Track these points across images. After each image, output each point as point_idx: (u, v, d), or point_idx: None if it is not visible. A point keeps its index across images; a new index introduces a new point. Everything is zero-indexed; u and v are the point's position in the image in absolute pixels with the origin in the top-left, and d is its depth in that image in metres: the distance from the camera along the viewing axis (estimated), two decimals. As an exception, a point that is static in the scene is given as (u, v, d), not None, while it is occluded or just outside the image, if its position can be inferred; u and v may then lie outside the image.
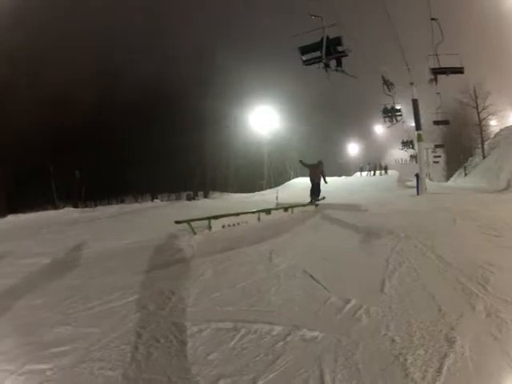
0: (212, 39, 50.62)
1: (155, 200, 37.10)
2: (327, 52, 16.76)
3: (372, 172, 55.80)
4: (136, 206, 30.05)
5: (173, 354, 4.89)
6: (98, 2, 47.07)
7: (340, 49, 16.91)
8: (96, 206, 32.94)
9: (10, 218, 21.58)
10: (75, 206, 32.28)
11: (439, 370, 4.20)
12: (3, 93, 35.71)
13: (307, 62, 17.44)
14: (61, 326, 5.81)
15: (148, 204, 31.62)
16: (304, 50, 17.38)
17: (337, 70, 17.57)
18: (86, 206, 32.96)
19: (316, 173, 21.67)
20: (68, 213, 24.57)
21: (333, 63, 17.54)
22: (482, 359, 4.40)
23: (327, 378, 4.17)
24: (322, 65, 17.38)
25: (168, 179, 43.32)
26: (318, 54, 17.07)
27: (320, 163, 21.94)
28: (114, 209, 26.79)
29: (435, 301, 6.10)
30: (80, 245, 12.33)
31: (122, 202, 38.71)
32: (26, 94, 37.59)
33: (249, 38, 60.54)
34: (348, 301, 6.20)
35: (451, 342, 4.78)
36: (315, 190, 21.42)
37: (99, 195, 39.78)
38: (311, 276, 7.70)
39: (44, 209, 28.44)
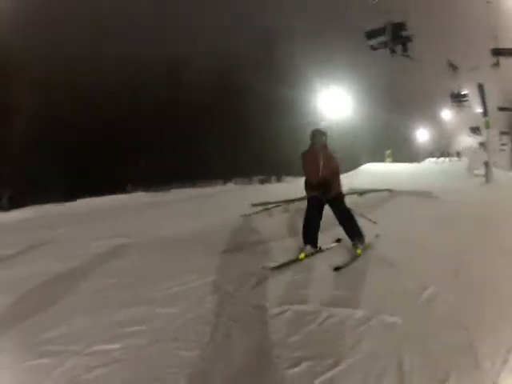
0: (281, 22, 50.42)
1: (228, 183, 37.15)
2: (392, 37, 16.63)
3: (441, 158, 54.22)
4: (209, 189, 30.14)
5: (252, 336, 4.93)
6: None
7: (404, 34, 16.74)
8: (167, 189, 33.05)
9: (82, 201, 21.80)
10: (146, 191, 32.51)
11: (505, 361, 4.14)
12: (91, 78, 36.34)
13: (374, 47, 17.33)
14: (135, 306, 5.95)
15: (221, 188, 31.74)
16: (370, 35, 17.29)
17: (403, 55, 17.36)
18: (157, 190, 33.09)
19: (318, 165, 8.64)
20: (140, 197, 24.85)
21: (398, 49, 17.39)
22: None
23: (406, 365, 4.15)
24: (387, 50, 17.26)
25: (240, 163, 43.40)
26: (383, 38, 16.94)
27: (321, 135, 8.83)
28: (187, 192, 26.95)
29: (503, 290, 6.05)
30: (156, 227, 12.75)
31: (194, 184, 38.70)
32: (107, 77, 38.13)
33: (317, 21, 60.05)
34: (425, 288, 6.14)
35: None
36: (342, 218, 8.86)
37: (172, 179, 39.98)
38: (389, 262, 7.66)
39: (113, 193, 28.73)
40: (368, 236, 8.93)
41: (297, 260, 7.90)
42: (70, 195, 22.23)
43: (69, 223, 14.65)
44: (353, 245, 8.56)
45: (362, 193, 18.04)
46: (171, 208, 18.65)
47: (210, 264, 7.91)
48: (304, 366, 4.16)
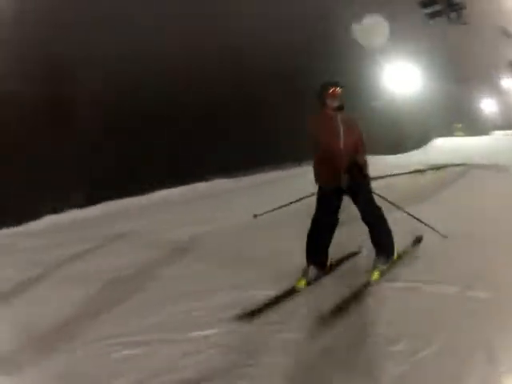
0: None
1: (299, 166, 37.04)
2: (447, 4, 16.70)
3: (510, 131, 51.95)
4: (285, 172, 30.04)
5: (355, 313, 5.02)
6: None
7: (457, 1, 16.82)
8: (247, 174, 32.90)
9: (161, 193, 21.75)
10: (225, 176, 32.51)
11: None
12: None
13: (430, 16, 17.39)
14: (225, 290, 5.95)
15: (294, 170, 31.76)
16: (425, 4, 17.38)
17: (459, 22, 17.38)
18: (237, 175, 33.01)
19: (337, 133, 6.05)
20: (220, 184, 24.92)
21: (454, 16, 17.45)
22: None
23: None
24: (443, 19, 17.30)
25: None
26: (438, 7, 17.04)
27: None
28: (267, 176, 26.90)
29: None
30: (245, 211, 12.53)
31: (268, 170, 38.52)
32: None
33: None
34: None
35: None
36: (369, 215, 6.27)
37: (245, 164, 39.82)
38: (474, 238, 7.52)
39: (193, 182, 28.83)
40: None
41: (292, 292, 5.78)
42: (148, 188, 22.08)
43: (147, 215, 14.70)
44: (374, 260, 6.22)
45: (438, 168, 17.75)
46: (257, 191, 18.98)
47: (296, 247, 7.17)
48: (403, 343, 4.16)
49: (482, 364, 3.76)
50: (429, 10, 17.13)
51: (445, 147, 35.54)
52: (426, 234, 7.72)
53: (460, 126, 48.93)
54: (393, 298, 5.27)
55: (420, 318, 4.72)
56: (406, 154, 37.70)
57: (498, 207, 10.48)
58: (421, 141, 44.81)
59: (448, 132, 49.47)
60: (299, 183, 20.41)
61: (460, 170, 18.32)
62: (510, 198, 11.52)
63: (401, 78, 40.28)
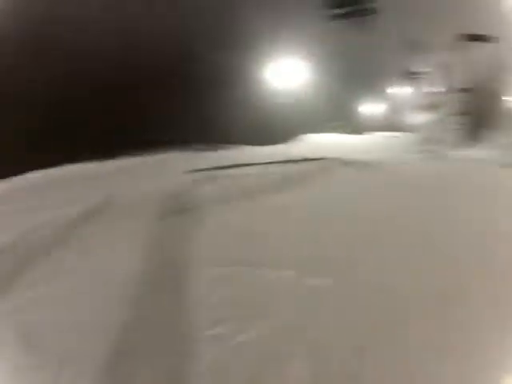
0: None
1: (175, 151, 37.07)
2: (355, 8, 16.66)
3: (391, 132, 53.00)
4: (150, 158, 30.22)
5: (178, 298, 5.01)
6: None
7: (369, 6, 16.80)
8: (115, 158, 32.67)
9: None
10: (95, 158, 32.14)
11: None
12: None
13: (332, 18, 17.30)
14: None
15: (164, 155, 31.89)
16: (333, 5, 17.23)
17: (361, 27, 17.41)
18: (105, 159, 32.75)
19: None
20: (91, 166, 24.69)
21: (357, 20, 17.44)
22: None
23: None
24: (346, 21, 17.24)
25: (187, 130, 43.21)
26: (343, 10, 16.95)
27: None
28: (130, 161, 26.97)
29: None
30: (105, 195, 12.26)
31: (135, 154, 38.47)
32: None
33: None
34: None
35: None
36: None
37: (120, 146, 39.55)
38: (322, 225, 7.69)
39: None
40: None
41: None
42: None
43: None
44: None
45: (302, 160, 17.97)
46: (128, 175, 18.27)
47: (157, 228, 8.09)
48: (221, 327, 4.13)
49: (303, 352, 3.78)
50: (333, 12, 16.99)
51: (317, 143, 36.39)
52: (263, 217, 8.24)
53: (338, 123, 50.41)
54: (221, 282, 5.25)
55: (245, 302, 4.69)
56: (272, 146, 38.58)
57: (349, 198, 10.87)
58: (292, 134, 45.69)
59: (326, 129, 50.92)
60: (174, 166, 20.64)
61: (324, 165, 18.52)
62: (368, 192, 11.80)
63: (285, 72, 40.97)
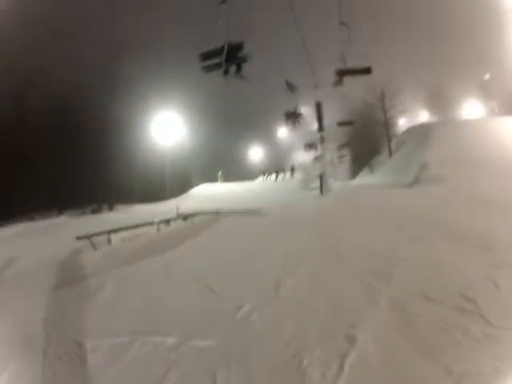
0: (119, 44, 50.02)
1: (61, 216, 36.20)
2: (227, 58, 16.49)
3: (274, 175, 53.64)
4: (41, 223, 29.37)
5: (75, 371, 4.93)
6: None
7: (240, 54, 16.66)
8: (2, 225, 31.89)
9: None
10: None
11: (340, 369, 4.22)
12: None
13: (207, 69, 17.13)
14: None
15: (53, 220, 31.07)
16: (204, 57, 17.00)
17: (236, 76, 17.32)
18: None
19: None
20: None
21: (233, 69, 17.29)
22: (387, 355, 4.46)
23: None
24: (221, 72, 17.09)
25: (74, 193, 42.37)
26: (218, 60, 16.77)
27: None
28: (20, 227, 26.25)
29: (334, 300, 6.14)
30: None
31: (31, 219, 37.51)
32: None
33: (154, 44, 60.82)
34: (241, 307, 6.20)
35: (352, 339, 4.82)
36: None
37: (7, 213, 38.45)
38: (206, 285, 7.64)
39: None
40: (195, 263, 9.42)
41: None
42: None
43: None
44: None
45: (186, 217, 18.01)
46: (5, 244, 17.83)
47: (42, 300, 7.82)
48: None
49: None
50: (206, 64, 16.99)
51: (204, 194, 36.75)
52: (154, 286, 8.14)
53: (221, 172, 51.07)
54: (115, 353, 5.20)
55: (136, 372, 4.72)
56: (164, 202, 38.63)
57: (238, 250, 10.89)
58: (182, 189, 46.08)
59: (213, 178, 51.55)
60: (55, 233, 20.31)
61: (210, 218, 18.67)
62: (255, 239, 12.11)
63: (168, 127, 41.06)
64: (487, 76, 53.93)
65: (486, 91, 59.00)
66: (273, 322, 5.57)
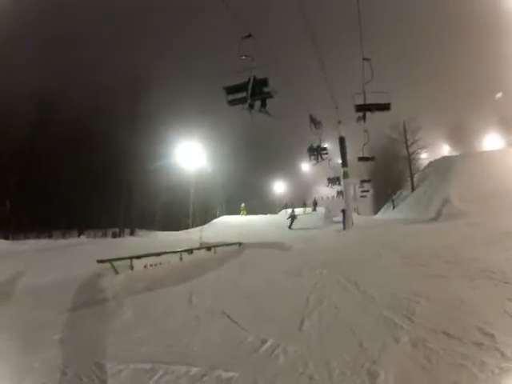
0: (142, 75, 50.84)
1: (81, 236, 36.45)
2: (252, 93, 16.44)
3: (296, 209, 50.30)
4: (63, 242, 29.59)
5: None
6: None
7: (266, 90, 16.64)
8: (25, 238, 32.21)
9: None
10: (5, 238, 31.53)
11: None
12: None
13: (232, 103, 17.07)
14: None
15: (74, 240, 31.28)
16: (229, 90, 16.97)
17: (260, 111, 17.30)
18: (16, 238, 32.22)
19: None
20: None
21: (257, 104, 17.26)
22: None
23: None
24: (246, 106, 17.04)
25: (95, 215, 42.72)
26: (243, 94, 16.75)
27: None
28: (41, 243, 26.48)
29: (356, 336, 6.07)
30: (10, 279, 12.38)
31: (50, 236, 37.86)
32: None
33: (178, 76, 61.67)
34: (265, 341, 6.15)
35: (374, 376, 4.79)
36: None
37: (29, 227, 38.90)
38: (229, 316, 7.64)
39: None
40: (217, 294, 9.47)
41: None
42: None
43: None
44: None
45: (210, 247, 18.03)
46: (26, 259, 18.42)
47: (59, 321, 7.88)
48: None
49: None
50: (231, 98, 17.04)
51: (226, 225, 36.82)
52: (176, 315, 8.17)
53: (243, 205, 51.05)
54: (135, 380, 5.22)
55: None
56: (186, 230, 38.64)
57: (262, 284, 10.93)
58: (204, 219, 46.26)
59: (233, 211, 51.60)
60: (76, 252, 20.45)
61: (233, 249, 18.84)
62: (278, 274, 11.99)
63: (192, 157, 41.22)
64: (499, 95, 53.75)
65: (504, 124, 58.90)
66: (296, 357, 5.51)
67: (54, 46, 53.86)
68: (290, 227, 30.44)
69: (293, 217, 32.81)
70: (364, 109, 25.08)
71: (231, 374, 5.14)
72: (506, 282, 8.10)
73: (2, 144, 38.72)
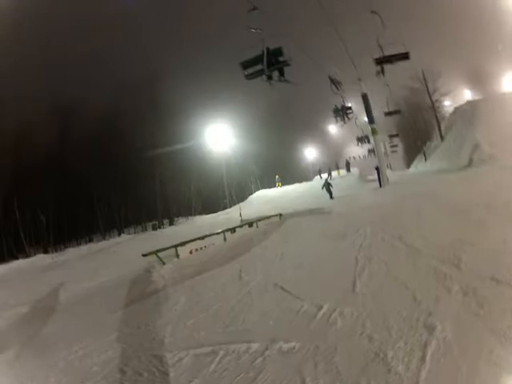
0: (162, 62, 50.82)
1: (122, 235, 36.62)
2: (269, 64, 16.31)
3: (326, 174, 46.94)
4: (104, 243, 29.93)
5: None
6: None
7: (281, 59, 16.51)
8: (65, 248, 32.61)
9: None
10: (45, 252, 32.01)
11: (423, 359, 4.25)
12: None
13: (250, 76, 16.95)
14: None
15: (115, 240, 31.52)
16: (245, 65, 16.87)
17: (280, 80, 17.20)
18: (56, 250, 32.68)
19: None
20: (40, 259, 24.63)
21: (275, 74, 17.15)
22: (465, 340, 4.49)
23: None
24: (264, 77, 16.95)
25: (133, 211, 42.90)
26: (260, 67, 16.65)
27: None
28: (83, 250, 26.90)
29: (409, 290, 6.15)
30: (56, 289, 12.48)
31: (91, 240, 38.21)
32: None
33: (196, 57, 61.47)
34: (321, 307, 6.21)
35: (431, 328, 4.86)
36: None
37: (67, 236, 39.19)
38: (282, 288, 7.73)
39: (15, 258, 28.62)
40: (266, 268, 9.66)
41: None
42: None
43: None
44: None
45: (251, 223, 18.12)
46: (69, 268, 18.80)
47: (113, 320, 8.02)
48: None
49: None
50: (248, 71, 16.94)
51: (264, 199, 36.87)
52: (228, 294, 8.31)
53: (278, 176, 50.86)
54: (197, 365, 5.27)
55: (223, 380, 4.73)
56: (224, 211, 38.75)
57: (308, 252, 11.05)
58: (240, 196, 46.26)
59: (269, 183, 51.48)
60: (118, 251, 20.75)
61: (274, 221, 19.13)
62: (322, 240, 12.14)
63: (220, 137, 41.13)
64: (500, 47, 52.55)
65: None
66: (354, 319, 5.60)
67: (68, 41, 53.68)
68: (331, 197, 29.89)
69: (328, 184, 30.95)
70: (383, 61, 24.87)
71: (292, 344, 5.22)
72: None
73: (30, 156, 38.93)
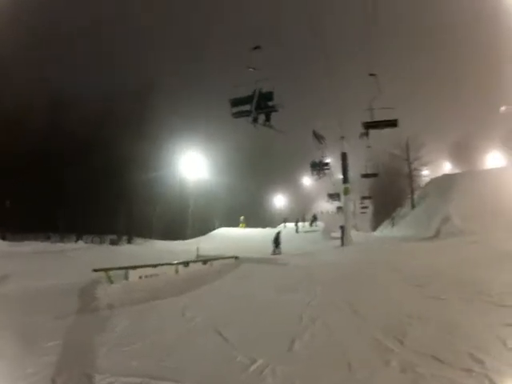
0: (148, 80, 50.95)
1: (79, 241, 36.28)
2: (257, 106, 16.43)
3: (292, 224, 48.59)
4: (61, 245, 29.72)
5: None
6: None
7: (270, 104, 16.61)
8: (23, 239, 32.09)
9: None
10: (3, 238, 31.47)
11: None
12: None
13: (236, 115, 17.05)
14: None
15: (72, 245, 31.28)
16: (235, 103, 17.02)
17: (264, 125, 17.28)
18: (14, 238, 32.13)
19: None
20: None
21: (262, 117, 17.22)
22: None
23: None
24: (250, 119, 17.01)
25: (94, 220, 42.41)
26: (248, 107, 16.73)
27: None
28: (40, 246, 26.57)
29: (346, 357, 6.02)
30: (3, 281, 12.57)
31: (48, 238, 37.64)
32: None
33: (184, 84, 61.91)
34: (255, 360, 6.12)
35: None
36: None
37: (27, 228, 38.57)
38: (221, 334, 7.60)
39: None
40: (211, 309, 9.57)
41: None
42: None
43: None
44: None
45: (206, 261, 18.08)
46: (23, 261, 18.74)
47: (54, 328, 7.95)
48: None
49: None
50: (236, 110, 17.00)
51: (224, 237, 36.92)
52: (168, 329, 8.18)
53: (243, 217, 51.03)
54: None
55: None
56: (183, 241, 38.71)
57: (255, 301, 10.90)
58: (202, 230, 46.23)
59: (232, 223, 51.57)
60: (73, 257, 20.56)
61: (229, 263, 19.11)
62: (273, 291, 12.00)
63: (192, 167, 41.25)
64: (503, 108, 53.64)
65: (507, 142, 58.70)
66: (284, 379, 5.49)
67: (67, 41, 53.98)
68: (274, 252, 28.13)
69: (277, 239, 28.76)
70: (372, 126, 25.12)
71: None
72: (502, 306, 8.15)
73: (15, 145, 38.79)
